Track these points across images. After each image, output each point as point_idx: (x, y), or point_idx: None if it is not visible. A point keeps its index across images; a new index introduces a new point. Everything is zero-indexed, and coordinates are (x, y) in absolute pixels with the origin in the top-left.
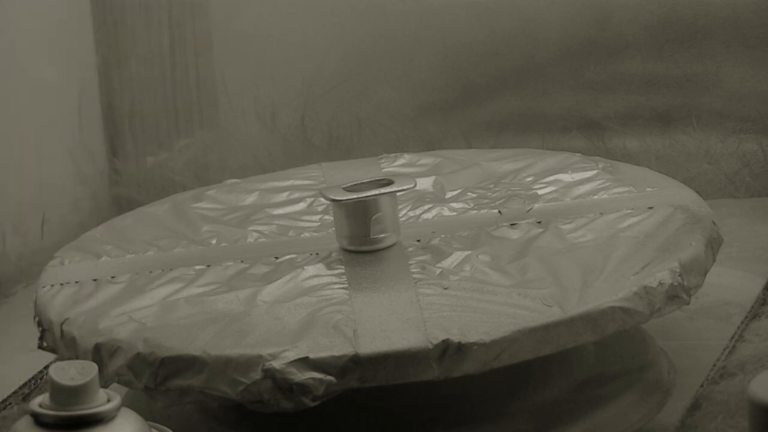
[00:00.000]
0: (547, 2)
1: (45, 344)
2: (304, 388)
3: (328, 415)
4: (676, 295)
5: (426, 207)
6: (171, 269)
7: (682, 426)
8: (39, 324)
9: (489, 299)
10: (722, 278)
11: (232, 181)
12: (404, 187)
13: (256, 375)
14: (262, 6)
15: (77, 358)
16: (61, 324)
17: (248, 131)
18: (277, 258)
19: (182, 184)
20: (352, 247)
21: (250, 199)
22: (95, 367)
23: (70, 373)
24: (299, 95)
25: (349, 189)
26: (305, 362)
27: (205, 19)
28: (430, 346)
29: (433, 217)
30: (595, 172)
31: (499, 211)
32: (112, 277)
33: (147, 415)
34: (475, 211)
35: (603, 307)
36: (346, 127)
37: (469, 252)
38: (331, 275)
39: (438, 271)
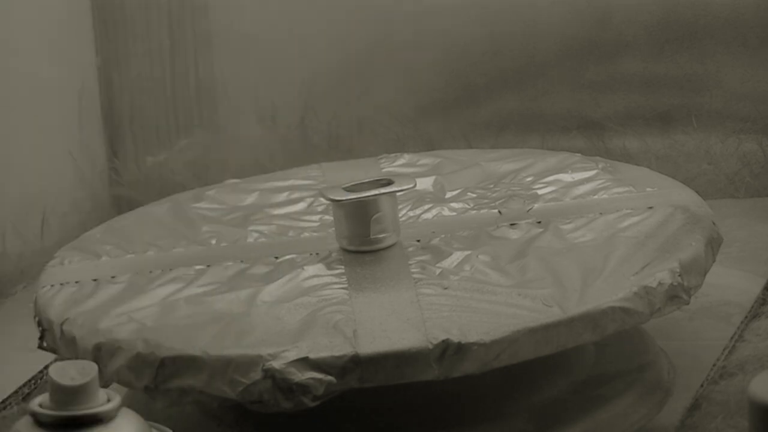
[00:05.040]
0: (547, 3)
1: (45, 344)
2: (304, 388)
3: (328, 415)
4: (676, 295)
5: (426, 207)
6: (171, 269)
7: (682, 426)
8: (39, 324)
9: (489, 299)
10: (722, 278)
11: (232, 181)
12: (404, 187)
13: (256, 375)
14: (262, 6)
15: (77, 358)
16: (61, 324)
17: (248, 131)
18: (277, 258)
19: (182, 184)
20: (352, 247)
21: (250, 199)
22: (95, 367)
23: (70, 373)
24: (299, 95)
25: (349, 189)
26: (305, 362)
27: (205, 19)
28: (430, 346)
29: (433, 217)
30: (595, 172)
31: (499, 211)
32: (112, 277)
33: (147, 415)
34: (475, 211)
35: (603, 307)
36: (346, 127)
37: (469, 252)
38: (331, 275)
39: (438, 271)
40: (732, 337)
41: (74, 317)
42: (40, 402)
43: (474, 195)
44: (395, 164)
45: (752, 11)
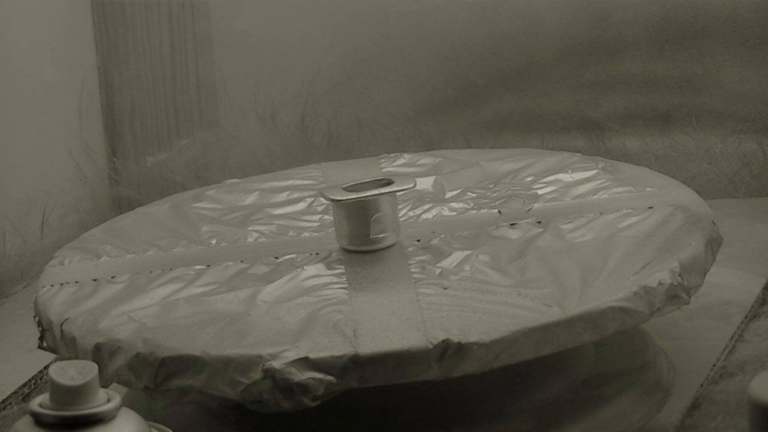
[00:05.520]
0: (546, 2)
1: (45, 344)
2: (304, 388)
3: (328, 415)
4: (676, 295)
5: (426, 207)
6: (171, 269)
7: (682, 426)
8: (39, 324)
9: (489, 299)
10: (722, 278)
11: (232, 181)
12: (404, 187)
13: (256, 375)
14: (262, 6)
15: (77, 358)
16: (61, 324)
17: (248, 131)
18: (277, 258)
19: (182, 184)
20: (352, 247)
21: (250, 199)
22: (95, 367)
23: (70, 373)
24: (299, 95)
25: (349, 189)
26: (305, 362)
27: (205, 19)
28: (430, 346)
29: (433, 217)
30: (594, 171)
31: (499, 211)
32: (112, 277)
33: (147, 415)
34: (475, 211)
35: (603, 307)
36: (346, 127)
37: (469, 252)
38: (331, 275)
39: (438, 271)
40: (732, 337)
41: (74, 317)
42: (40, 402)
43: (474, 195)
44: (395, 164)
45: (752, 11)
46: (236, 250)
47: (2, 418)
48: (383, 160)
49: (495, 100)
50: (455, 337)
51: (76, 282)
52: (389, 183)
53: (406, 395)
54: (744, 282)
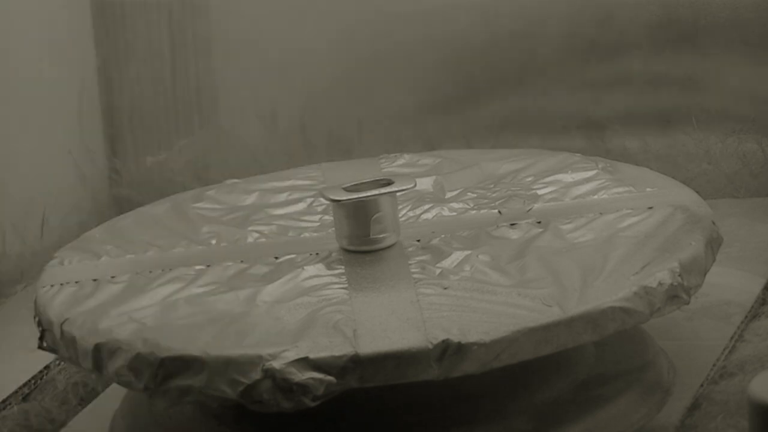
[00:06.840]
0: (547, 2)
1: (45, 344)
2: (304, 388)
3: (328, 415)
4: (676, 295)
5: (426, 207)
6: (171, 269)
7: (682, 426)
8: (39, 324)
9: (489, 299)
10: (722, 278)
11: (232, 181)
12: (404, 187)
13: (256, 375)
14: (262, 7)
15: (77, 358)
16: (61, 324)
17: (248, 131)
18: (277, 258)
19: (182, 184)
20: (352, 247)
21: (250, 199)
22: None
23: None
24: (299, 95)
25: (349, 189)
26: (305, 362)
27: (205, 20)
28: (430, 346)
29: (433, 217)
30: (594, 172)
31: (499, 211)
32: (112, 277)
33: (147, 415)
34: (475, 211)
35: (603, 307)
36: (346, 127)
37: (469, 252)
38: (331, 275)
39: (438, 271)
40: (732, 337)
41: (74, 317)
42: None
43: (474, 195)
44: (395, 164)
45: (752, 11)
46: (236, 250)
47: (2, 418)
48: (383, 161)
49: (495, 100)
50: (455, 337)
51: (76, 282)
52: (389, 183)
53: (406, 395)
54: (744, 282)
